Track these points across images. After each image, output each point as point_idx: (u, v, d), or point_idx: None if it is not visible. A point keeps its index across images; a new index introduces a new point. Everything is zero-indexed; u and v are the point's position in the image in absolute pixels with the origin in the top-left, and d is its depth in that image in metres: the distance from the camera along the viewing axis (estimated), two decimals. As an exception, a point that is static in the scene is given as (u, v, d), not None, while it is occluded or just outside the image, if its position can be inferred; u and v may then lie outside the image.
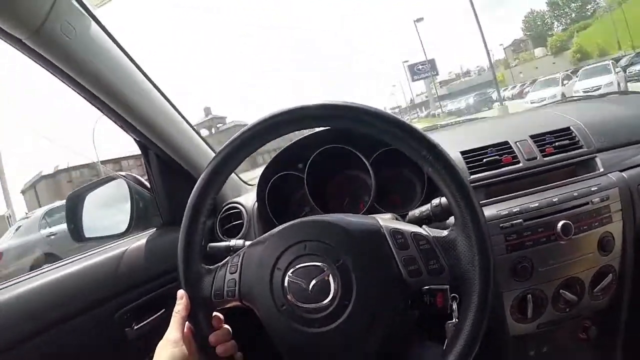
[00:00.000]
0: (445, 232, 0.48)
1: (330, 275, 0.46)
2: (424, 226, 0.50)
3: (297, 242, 0.49)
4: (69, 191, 0.89)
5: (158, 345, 0.48)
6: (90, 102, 0.74)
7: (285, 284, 0.47)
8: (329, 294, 0.46)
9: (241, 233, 0.88)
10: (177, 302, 0.51)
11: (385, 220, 0.50)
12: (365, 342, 0.46)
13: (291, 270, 0.47)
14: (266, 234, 0.53)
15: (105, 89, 0.71)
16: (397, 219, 0.65)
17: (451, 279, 0.46)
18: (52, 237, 6.07)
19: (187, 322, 0.51)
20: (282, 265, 0.48)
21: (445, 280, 0.47)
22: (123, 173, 0.87)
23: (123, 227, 0.86)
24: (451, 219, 0.67)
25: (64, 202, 0.91)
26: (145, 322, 0.76)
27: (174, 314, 0.50)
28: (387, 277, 0.47)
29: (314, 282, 0.46)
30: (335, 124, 0.51)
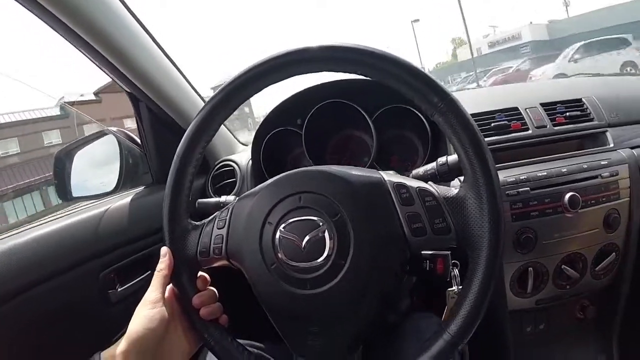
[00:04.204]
0: (454, 190, 0.44)
1: (326, 230, 0.42)
2: (430, 182, 0.47)
3: (292, 193, 0.44)
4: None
5: (138, 306, 0.45)
6: (80, 49, 0.69)
7: (277, 239, 0.43)
8: (323, 251, 0.42)
9: (234, 191, 0.85)
10: (160, 260, 0.47)
11: (389, 175, 0.46)
12: (360, 307, 0.43)
13: (283, 225, 0.43)
14: (258, 186, 0.48)
15: (96, 33, 0.66)
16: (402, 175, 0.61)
17: (457, 240, 0.43)
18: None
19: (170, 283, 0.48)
20: (273, 219, 0.44)
21: (451, 242, 0.43)
22: (114, 128, 0.83)
23: (112, 185, 0.82)
24: (456, 181, 0.64)
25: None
26: (129, 284, 0.73)
27: (155, 272, 0.47)
28: (389, 235, 0.43)
29: (307, 237, 0.42)
30: (339, 67, 0.46)
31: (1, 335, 0.56)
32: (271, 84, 0.48)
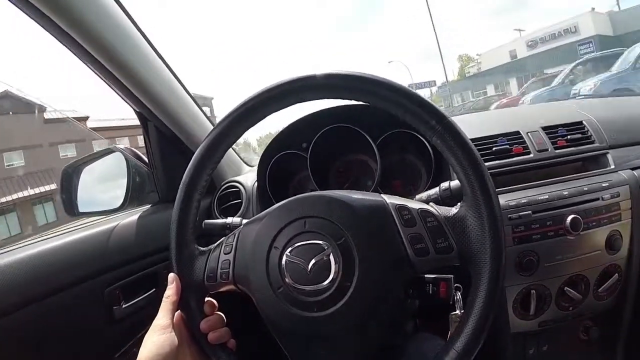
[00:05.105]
0: (454, 209, 0.45)
1: (331, 254, 0.43)
2: (431, 203, 0.48)
3: (297, 218, 0.46)
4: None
5: (147, 332, 0.46)
6: (92, 68, 0.71)
7: (283, 264, 0.44)
8: (329, 274, 0.43)
9: (239, 212, 0.86)
10: (168, 286, 0.48)
11: (391, 197, 0.48)
12: (366, 329, 0.44)
13: (289, 249, 0.45)
14: (264, 211, 0.50)
15: (108, 54, 0.68)
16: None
17: (459, 259, 0.44)
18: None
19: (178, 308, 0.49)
20: (279, 243, 0.45)
21: (453, 261, 0.44)
22: (121, 146, 0.84)
23: (118, 202, 0.83)
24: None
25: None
26: (134, 301, 0.74)
27: (164, 298, 0.48)
28: (392, 256, 0.44)
29: (313, 261, 0.43)
30: (342, 95, 0.48)
31: (4, 348, 0.57)
32: (276, 110, 0.49)
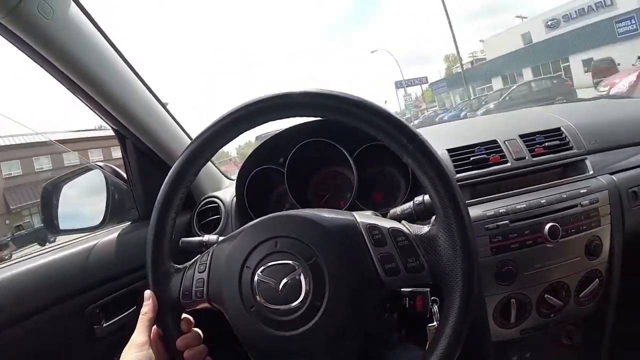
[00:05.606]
0: (425, 228, 0.45)
1: (302, 274, 0.44)
2: (403, 221, 0.48)
3: (268, 238, 0.46)
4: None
5: (125, 349, 0.46)
6: (68, 88, 0.71)
7: (255, 283, 0.45)
8: (299, 294, 0.43)
9: (218, 229, 0.86)
10: (144, 303, 0.48)
11: (362, 216, 0.48)
12: (338, 347, 0.44)
13: (261, 269, 0.45)
14: (237, 230, 0.50)
15: (83, 74, 0.68)
16: (377, 216, 0.63)
17: (431, 277, 0.44)
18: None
19: (155, 325, 0.49)
20: (251, 263, 0.46)
21: (424, 280, 0.44)
22: (101, 163, 0.84)
23: (99, 219, 0.83)
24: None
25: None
26: (115, 319, 0.73)
27: (140, 315, 0.48)
28: (362, 276, 0.44)
29: (284, 281, 0.44)
30: (317, 113, 0.48)
31: None
32: (250, 128, 0.49)
